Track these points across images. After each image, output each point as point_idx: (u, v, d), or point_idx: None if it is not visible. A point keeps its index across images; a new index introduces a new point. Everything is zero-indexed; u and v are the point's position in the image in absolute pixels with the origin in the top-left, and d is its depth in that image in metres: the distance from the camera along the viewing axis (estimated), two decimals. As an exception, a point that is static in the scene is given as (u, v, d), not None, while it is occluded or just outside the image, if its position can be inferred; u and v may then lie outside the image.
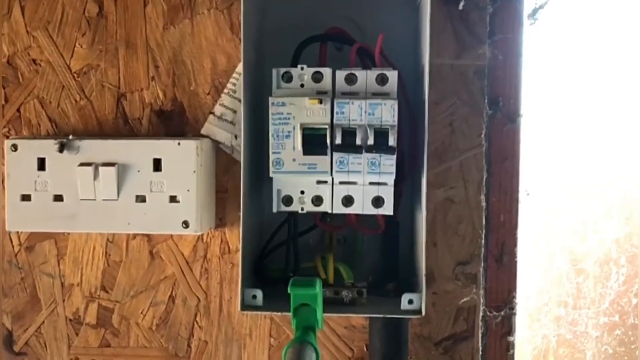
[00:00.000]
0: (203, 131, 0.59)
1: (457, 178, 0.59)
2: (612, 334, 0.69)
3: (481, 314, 0.59)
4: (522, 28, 0.60)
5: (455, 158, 0.59)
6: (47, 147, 0.55)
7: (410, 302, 0.49)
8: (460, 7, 0.58)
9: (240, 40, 0.50)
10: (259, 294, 0.50)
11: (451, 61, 0.59)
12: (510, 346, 0.61)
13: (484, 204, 0.59)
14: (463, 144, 0.59)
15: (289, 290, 0.41)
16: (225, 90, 0.58)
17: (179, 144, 0.54)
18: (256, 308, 0.49)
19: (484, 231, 0.59)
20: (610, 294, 0.69)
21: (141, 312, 0.61)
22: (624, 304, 0.69)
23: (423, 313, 0.48)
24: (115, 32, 0.60)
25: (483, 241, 0.59)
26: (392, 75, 0.49)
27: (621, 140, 0.68)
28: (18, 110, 0.61)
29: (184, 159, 0.54)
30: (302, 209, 0.50)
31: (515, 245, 0.61)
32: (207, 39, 0.59)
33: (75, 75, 0.60)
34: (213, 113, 0.58)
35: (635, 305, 0.69)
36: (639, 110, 0.68)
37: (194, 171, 0.54)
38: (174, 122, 0.59)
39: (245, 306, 0.49)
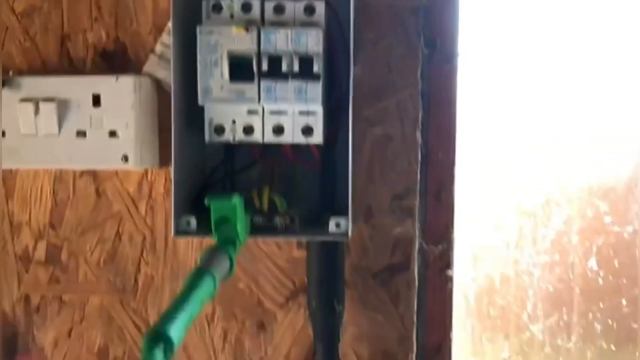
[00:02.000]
0: (144, 70, 0.60)
1: (394, 116, 0.61)
2: (553, 272, 0.72)
3: (418, 246, 0.61)
4: (459, -32, 0.61)
5: (392, 97, 0.60)
6: (-11, 84, 0.56)
7: (338, 225, 0.51)
8: (396, -55, 0.59)
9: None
10: (192, 220, 0.51)
11: (388, 0, 0.60)
12: (448, 279, 0.63)
13: (420, 140, 0.61)
14: (400, 83, 0.60)
15: (205, 202, 0.43)
16: (166, 29, 0.59)
17: (117, 79, 0.56)
18: (190, 234, 0.51)
19: (419, 167, 0.61)
20: (551, 234, 0.71)
21: (89, 249, 0.62)
22: (564, 244, 0.71)
23: (349, 235, 0.50)
24: (58, -27, 0.61)
25: (419, 176, 0.61)
26: (320, 5, 0.50)
27: (573, 87, 0.70)
28: (-36, 52, 0.62)
29: (123, 94, 0.56)
30: (234, 139, 0.51)
31: (452, 182, 0.63)
32: (148, -20, 0.60)
33: (19, 16, 0.61)
34: (154, 52, 0.60)
35: (575, 245, 0.71)
36: (590, 56, 0.69)
37: (132, 106, 0.55)
38: (117, 62, 0.61)
39: (179, 232, 0.51)
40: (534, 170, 0.71)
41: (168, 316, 0.30)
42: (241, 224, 0.44)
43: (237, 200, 0.43)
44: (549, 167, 0.71)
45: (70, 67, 0.61)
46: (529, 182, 0.71)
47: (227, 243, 0.42)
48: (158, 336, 0.29)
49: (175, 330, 0.30)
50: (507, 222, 0.72)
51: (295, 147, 0.55)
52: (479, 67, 0.70)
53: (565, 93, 0.71)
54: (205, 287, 0.35)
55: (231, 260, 0.40)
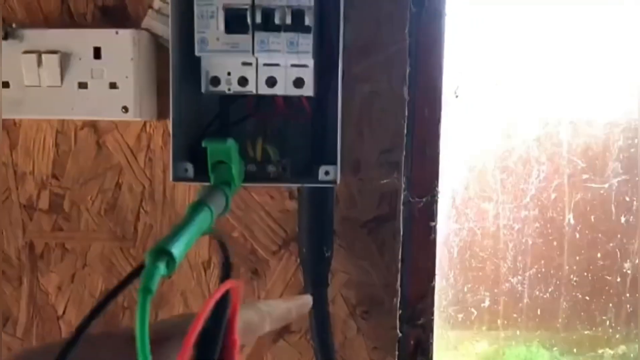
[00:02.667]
0: (143, 25, 0.62)
1: (383, 72, 0.63)
2: (532, 226, 0.75)
3: (403, 199, 0.65)
4: None
5: (380, 53, 0.63)
6: (-7, 37, 0.58)
7: (327, 173, 0.54)
8: None
9: None
10: (190, 167, 0.54)
11: (378, -40, 0.62)
12: (432, 231, 0.67)
13: (407, 97, 0.63)
14: (388, 39, 0.63)
15: (203, 144, 0.45)
16: (164, -14, 0.62)
17: (117, 33, 0.58)
18: (187, 179, 0.54)
19: (406, 122, 0.64)
20: (531, 190, 0.74)
21: (90, 198, 0.65)
22: (544, 199, 0.75)
23: (338, 182, 0.53)
24: None
25: (406, 131, 0.64)
26: (312, -38, 0.52)
27: (554, 47, 0.72)
28: (-33, 7, 0.64)
29: (122, 47, 0.58)
30: (229, 90, 0.54)
31: (437, 138, 0.66)
32: (146, -63, 0.62)
33: (20, -28, 0.63)
34: (152, 7, 0.62)
35: (554, 200, 0.75)
36: (573, 18, 0.71)
37: (132, 59, 0.58)
38: (117, 18, 0.63)
39: (176, 177, 0.54)
40: (515, 128, 0.74)
41: (170, 237, 0.33)
42: (236, 168, 0.47)
43: (232, 143, 0.46)
44: (530, 126, 0.74)
45: (71, 21, 0.63)
46: (509, 139, 0.74)
47: (223, 184, 0.45)
48: (162, 251, 0.32)
49: (177, 249, 0.33)
50: (488, 177, 0.75)
51: (288, 101, 0.58)
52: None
53: (545, 53, 0.73)
54: (203, 218, 0.38)
55: (227, 198, 0.43)
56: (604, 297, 0.76)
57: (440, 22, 0.64)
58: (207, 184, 0.53)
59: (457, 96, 0.72)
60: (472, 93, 0.73)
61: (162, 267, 0.31)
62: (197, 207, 0.39)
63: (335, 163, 0.54)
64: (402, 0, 0.62)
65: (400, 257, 0.65)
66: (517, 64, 0.73)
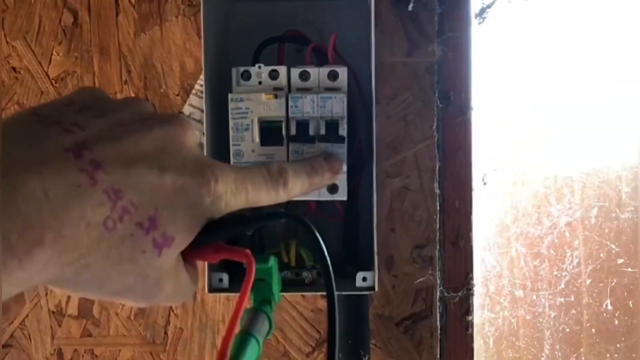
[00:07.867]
0: (173, 130, 0.63)
1: (412, 167, 0.63)
2: (569, 313, 0.73)
3: (439, 294, 0.63)
4: (470, 27, 0.65)
5: (409, 149, 0.63)
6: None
7: (365, 279, 0.53)
8: (410, 8, 0.63)
9: (203, 43, 0.54)
10: (225, 277, 0.53)
11: (403, 59, 0.63)
12: (469, 325, 0.65)
13: (437, 191, 0.63)
14: (416, 135, 0.63)
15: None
16: (193, 91, 0.62)
17: (149, 141, 0.58)
18: (223, 290, 0.53)
19: (438, 216, 0.63)
20: (566, 276, 0.73)
21: (120, 304, 0.64)
22: (579, 285, 0.73)
23: (376, 289, 0.52)
24: (90, 40, 0.64)
25: (438, 226, 0.63)
26: (342, 71, 0.53)
27: (569, 126, 0.73)
28: None
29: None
30: (264, 197, 0.54)
31: (470, 229, 0.65)
32: (176, 44, 0.63)
33: (53, 81, 0.64)
34: (182, 112, 0.63)
35: (589, 286, 0.73)
36: (580, 100, 0.72)
37: (164, 166, 0.58)
38: (146, 123, 0.63)
39: (212, 289, 0.53)
40: (543, 214, 0.73)
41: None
42: (276, 285, 0.46)
43: (273, 262, 0.45)
44: (560, 212, 0.73)
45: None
46: (539, 225, 0.74)
47: (264, 303, 0.44)
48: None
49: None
50: (521, 264, 0.74)
51: (319, 203, 0.58)
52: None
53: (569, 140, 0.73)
54: (251, 350, 0.37)
55: (269, 320, 0.42)
56: (648, 385, 0.73)
57: (466, 115, 0.64)
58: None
59: (485, 183, 0.72)
60: (501, 179, 0.73)
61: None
62: (243, 339, 0.38)
63: (371, 269, 0.53)
64: (429, 96, 0.63)
65: (438, 355, 0.63)
66: (546, 149, 0.73)
